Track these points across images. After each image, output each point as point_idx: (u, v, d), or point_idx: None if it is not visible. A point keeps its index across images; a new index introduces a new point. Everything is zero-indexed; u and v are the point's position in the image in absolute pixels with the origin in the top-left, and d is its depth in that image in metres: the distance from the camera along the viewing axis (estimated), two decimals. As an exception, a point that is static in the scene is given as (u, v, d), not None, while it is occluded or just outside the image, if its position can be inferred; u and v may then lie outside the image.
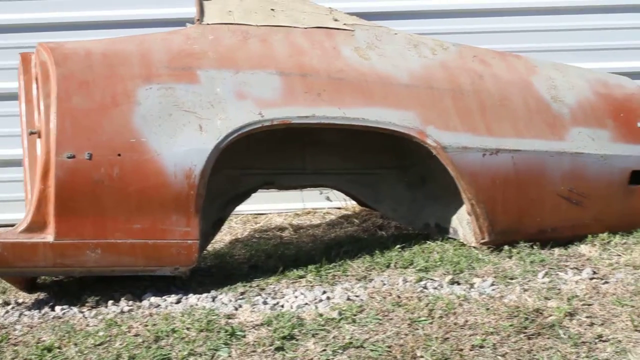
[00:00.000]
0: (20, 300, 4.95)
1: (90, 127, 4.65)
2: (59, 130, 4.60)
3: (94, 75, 4.77)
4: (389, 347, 4.03)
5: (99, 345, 4.19)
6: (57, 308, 4.74)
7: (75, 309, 4.72)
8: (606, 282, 4.78)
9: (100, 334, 4.30)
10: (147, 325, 4.38)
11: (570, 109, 5.45)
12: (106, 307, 4.73)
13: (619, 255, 5.18)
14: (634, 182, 5.49)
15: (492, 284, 4.79)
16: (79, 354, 4.11)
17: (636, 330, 4.12)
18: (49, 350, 4.16)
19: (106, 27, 6.39)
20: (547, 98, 5.44)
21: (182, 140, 4.73)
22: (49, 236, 4.64)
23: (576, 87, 5.56)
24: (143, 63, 4.88)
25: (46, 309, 4.74)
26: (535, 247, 5.29)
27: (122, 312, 4.66)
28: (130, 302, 4.77)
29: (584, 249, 5.31)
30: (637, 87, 5.78)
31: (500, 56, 5.65)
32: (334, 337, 4.16)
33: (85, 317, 4.61)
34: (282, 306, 4.65)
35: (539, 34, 6.73)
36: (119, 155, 4.65)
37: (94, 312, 4.68)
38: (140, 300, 4.81)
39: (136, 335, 4.28)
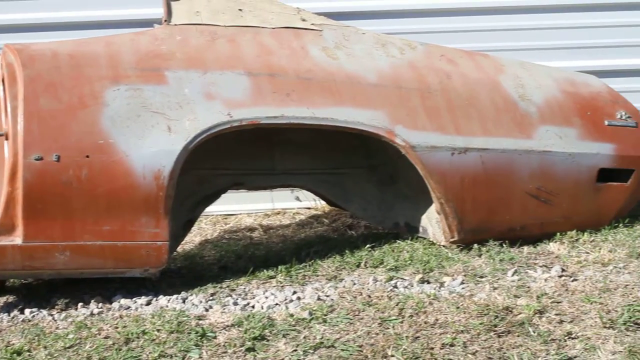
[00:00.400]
0: (-12, 304, 4.93)
1: (58, 128, 4.62)
2: (27, 132, 4.57)
3: (62, 76, 4.75)
4: (360, 346, 4.03)
5: (68, 348, 4.17)
6: (27, 311, 4.70)
7: (44, 312, 4.69)
8: (575, 280, 4.80)
9: (70, 336, 4.28)
10: (117, 327, 4.36)
11: (538, 108, 5.47)
12: (76, 309, 4.71)
13: (587, 253, 5.20)
14: (602, 180, 5.52)
15: (462, 283, 4.80)
16: (49, 357, 4.08)
17: (605, 327, 4.15)
18: (19, 353, 4.13)
19: (73, 28, 6.34)
20: (515, 97, 5.47)
21: (151, 142, 4.71)
22: (17, 239, 4.61)
23: (543, 86, 5.59)
24: (110, 64, 4.86)
25: (15, 312, 4.71)
26: (504, 245, 5.32)
27: (92, 314, 4.63)
28: (100, 304, 4.75)
29: (552, 246, 5.34)
30: (604, 85, 5.81)
31: (467, 55, 5.68)
32: (304, 337, 4.16)
33: (55, 320, 4.58)
34: (253, 307, 4.64)
35: (506, 33, 6.75)
36: (87, 156, 4.62)
37: (63, 314, 4.65)
38: (110, 302, 4.79)
39: (106, 337, 4.26)
